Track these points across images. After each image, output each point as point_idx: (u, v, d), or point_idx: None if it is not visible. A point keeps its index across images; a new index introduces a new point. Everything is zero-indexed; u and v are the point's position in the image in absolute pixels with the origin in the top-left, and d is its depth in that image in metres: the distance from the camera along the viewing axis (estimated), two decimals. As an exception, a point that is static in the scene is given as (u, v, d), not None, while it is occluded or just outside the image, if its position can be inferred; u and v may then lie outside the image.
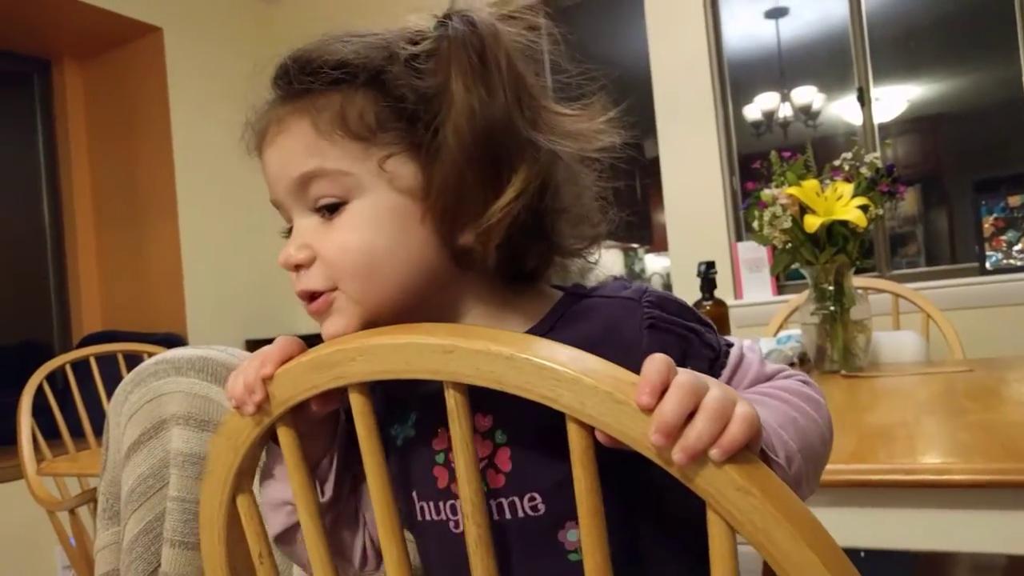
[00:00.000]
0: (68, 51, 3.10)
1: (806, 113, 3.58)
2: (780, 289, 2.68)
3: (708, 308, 1.66)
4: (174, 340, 2.76)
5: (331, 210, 0.53)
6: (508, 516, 0.52)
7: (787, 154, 1.53)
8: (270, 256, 3.29)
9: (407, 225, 0.52)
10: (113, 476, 1.10)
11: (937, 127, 3.51)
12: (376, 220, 0.52)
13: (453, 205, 0.51)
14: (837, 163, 1.50)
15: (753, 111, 3.55)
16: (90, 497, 1.49)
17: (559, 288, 0.59)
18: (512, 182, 0.51)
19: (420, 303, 0.54)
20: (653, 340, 0.52)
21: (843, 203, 1.41)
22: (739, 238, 2.77)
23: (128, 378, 1.05)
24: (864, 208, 1.39)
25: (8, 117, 3.07)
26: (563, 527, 0.51)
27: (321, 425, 0.56)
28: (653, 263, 4.51)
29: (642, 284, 0.57)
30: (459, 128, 0.50)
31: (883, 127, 2.87)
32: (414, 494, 0.57)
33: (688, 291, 2.66)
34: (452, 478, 0.54)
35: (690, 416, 0.38)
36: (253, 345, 3.14)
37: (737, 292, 2.67)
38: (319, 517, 0.51)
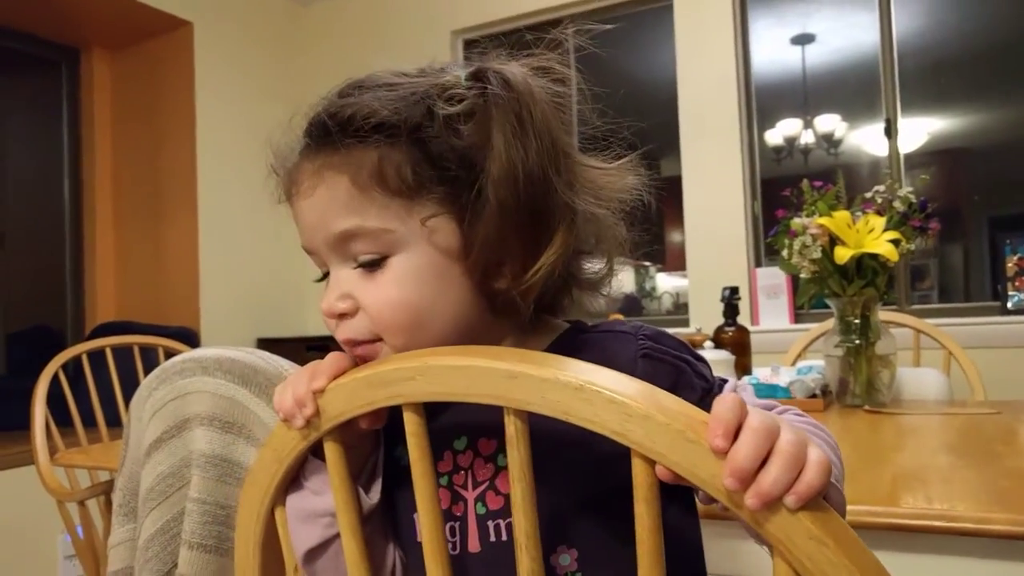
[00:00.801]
0: (98, 41, 3.12)
1: (828, 141, 3.57)
2: (797, 317, 2.67)
3: (731, 333, 1.65)
4: (187, 334, 2.77)
5: (372, 265, 0.54)
6: (504, 537, 0.54)
7: (818, 183, 1.52)
8: (284, 256, 3.33)
9: (448, 279, 0.54)
10: (131, 472, 1.09)
11: (956, 161, 3.49)
12: (418, 275, 0.53)
13: (494, 261, 0.53)
14: (869, 195, 1.49)
15: (775, 136, 3.54)
16: (101, 490, 1.48)
17: (567, 321, 0.62)
18: (553, 242, 0.53)
19: (464, 340, 0.55)
20: (647, 368, 0.54)
21: (874, 236, 1.40)
22: (758, 264, 2.76)
23: (153, 375, 1.04)
24: (895, 242, 1.38)
25: (35, 103, 3.09)
26: (555, 551, 0.53)
27: (363, 439, 0.56)
28: (664, 282, 4.50)
29: (639, 323, 0.58)
30: (501, 188, 0.51)
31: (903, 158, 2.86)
32: (415, 516, 0.56)
33: (706, 313, 2.64)
34: (454, 500, 0.56)
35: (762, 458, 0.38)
36: (264, 343, 3.13)
37: (754, 318, 2.66)
38: (361, 534, 0.50)
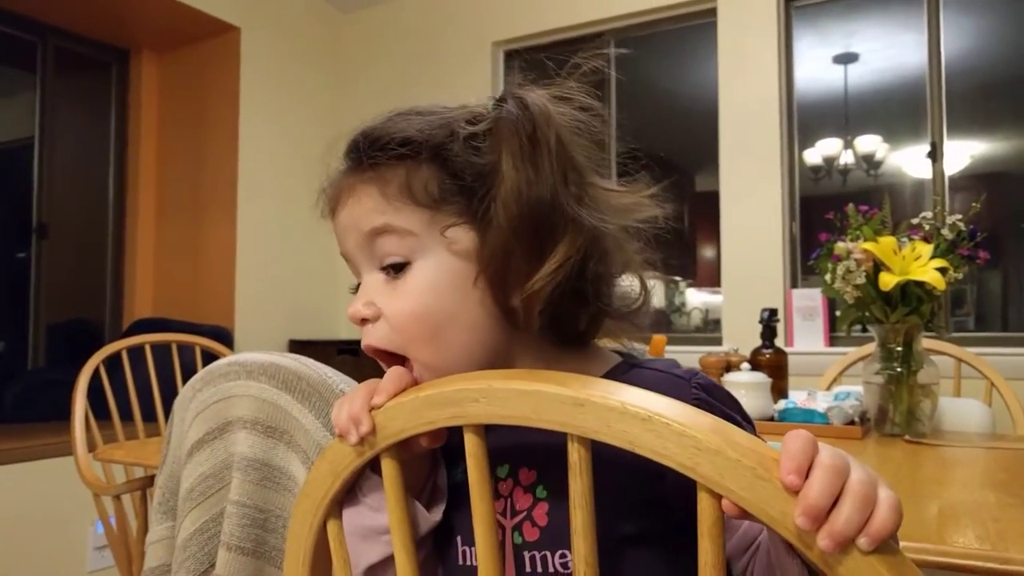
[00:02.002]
0: (147, 43, 3.18)
1: (868, 162, 3.53)
2: (832, 340, 2.63)
3: (768, 356, 1.63)
4: (222, 333, 2.80)
5: (396, 269, 0.57)
6: (539, 569, 0.54)
7: (864, 207, 1.50)
8: (318, 260, 3.37)
9: (464, 288, 0.56)
10: (172, 471, 1.11)
11: (997, 185, 3.43)
12: (436, 284, 0.56)
13: (502, 271, 0.55)
14: (916, 221, 1.47)
15: (813, 156, 3.51)
16: (138, 486, 1.50)
17: (618, 352, 0.62)
18: (554, 254, 0.54)
19: (484, 363, 0.56)
20: None
21: (921, 263, 1.37)
22: (794, 284, 2.73)
23: (198, 376, 1.06)
24: (942, 270, 1.35)
25: (85, 101, 3.16)
26: None
27: (422, 457, 0.56)
28: (694, 298, 4.47)
29: (693, 368, 0.59)
30: (507, 204, 0.54)
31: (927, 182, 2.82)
32: (458, 539, 0.59)
33: (739, 332, 2.62)
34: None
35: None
36: (296, 346, 3.17)
37: (788, 340, 2.63)
38: (413, 551, 0.50)
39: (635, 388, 0.41)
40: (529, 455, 0.56)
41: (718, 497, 0.39)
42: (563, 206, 0.55)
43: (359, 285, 0.61)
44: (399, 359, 0.58)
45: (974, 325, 3.26)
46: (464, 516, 0.58)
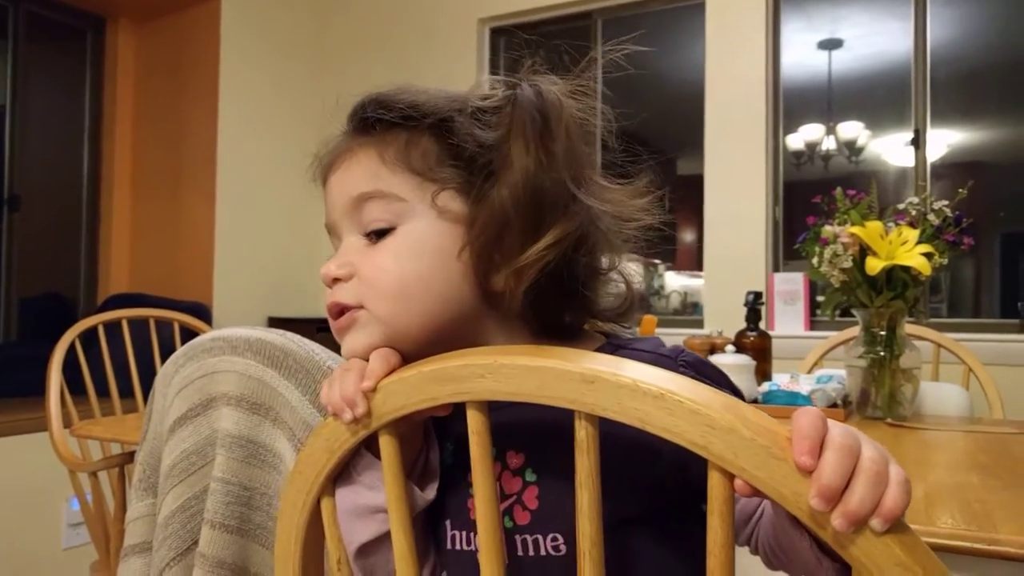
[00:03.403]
0: (124, 11, 3.10)
1: (850, 148, 3.55)
2: (812, 324, 2.65)
3: (753, 339, 1.64)
4: (200, 309, 2.76)
5: (379, 235, 0.56)
6: (531, 552, 0.54)
7: (851, 192, 1.51)
8: (299, 237, 3.33)
9: (445, 257, 0.55)
10: (153, 447, 1.09)
11: (976, 174, 3.47)
12: (418, 247, 0.55)
13: (492, 245, 0.54)
14: (902, 206, 1.48)
15: (796, 141, 3.52)
16: (115, 463, 1.48)
17: (602, 333, 0.62)
18: (552, 230, 0.54)
19: (448, 338, 0.55)
20: None
21: (907, 248, 1.38)
22: (776, 268, 2.74)
23: (180, 351, 1.04)
24: (928, 256, 1.36)
25: (59, 71, 3.08)
26: None
27: (415, 433, 0.55)
28: (672, 281, 4.49)
29: (679, 346, 0.59)
30: (513, 182, 0.54)
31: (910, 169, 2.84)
32: (447, 523, 0.58)
33: (721, 316, 2.63)
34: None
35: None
36: (275, 323, 3.13)
37: (769, 323, 2.64)
38: (411, 529, 0.50)
39: (646, 365, 0.40)
40: (517, 438, 0.55)
41: (729, 476, 0.38)
42: (566, 192, 0.55)
43: None
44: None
45: (947, 311, 3.31)
46: (453, 499, 0.58)
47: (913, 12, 2.73)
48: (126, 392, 1.95)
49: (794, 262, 2.87)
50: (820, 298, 2.76)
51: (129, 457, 1.50)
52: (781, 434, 0.37)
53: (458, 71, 3.18)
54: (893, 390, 1.45)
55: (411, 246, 0.55)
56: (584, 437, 0.41)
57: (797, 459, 0.36)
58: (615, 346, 0.59)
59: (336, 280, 0.56)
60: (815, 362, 2.00)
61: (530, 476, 0.55)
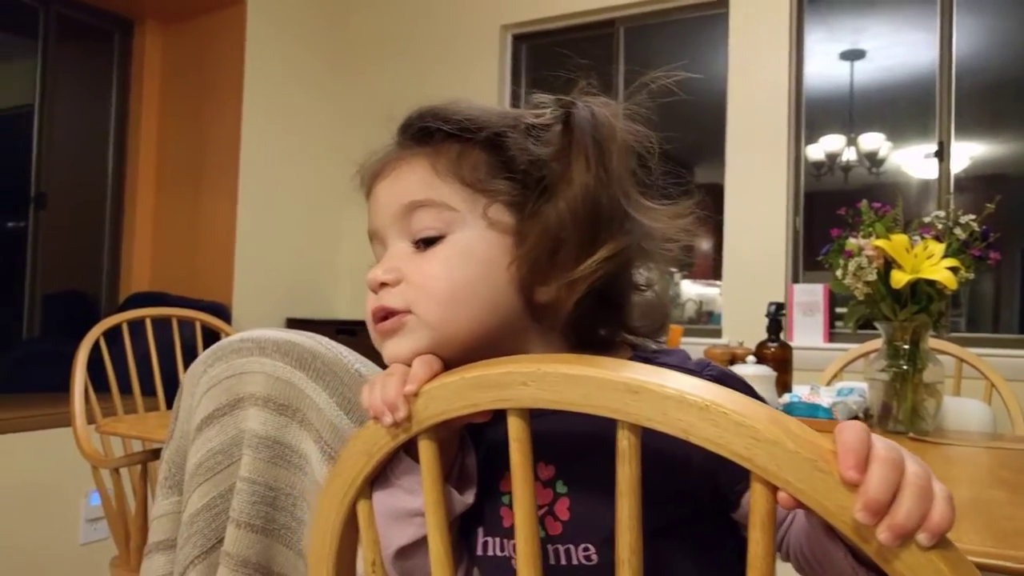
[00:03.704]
0: (152, 13, 3.14)
1: (871, 160, 3.53)
2: (831, 336, 2.64)
3: (773, 350, 1.63)
4: (220, 309, 2.79)
5: (427, 243, 0.57)
6: (563, 562, 0.55)
7: (876, 204, 1.50)
8: (319, 240, 3.34)
9: (494, 267, 0.56)
10: (179, 446, 1.10)
11: (999, 187, 3.44)
12: (468, 256, 0.56)
13: (545, 257, 0.55)
14: (928, 220, 1.47)
15: (816, 151, 3.50)
16: (138, 460, 1.49)
17: (630, 346, 0.63)
18: (607, 244, 0.55)
19: (488, 347, 0.55)
20: None
21: (933, 262, 1.37)
22: (795, 279, 2.73)
23: (209, 351, 1.05)
24: (954, 270, 1.35)
25: (86, 70, 3.12)
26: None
27: (452, 438, 0.56)
28: (688, 289, 4.48)
29: (705, 359, 0.60)
30: (572, 197, 0.55)
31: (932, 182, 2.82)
32: (480, 529, 0.59)
33: (739, 326, 2.62)
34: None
35: None
36: (293, 324, 3.15)
37: (788, 335, 2.63)
38: (447, 533, 0.50)
39: (691, 376, 0.41)
40: (547, 450, 0.56)
41: (772, 488, 0.38)
42: (620, 209, 0.56)
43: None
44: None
45: (965, 326, 3.28)
46: (486, 506, 0.58)
47: (939, 24, 2.71)
48: (147, 390, 1.97)
49: (813, 273, 2.86)
50: (840, 310, 2.75)
51: (151, 455, 1.52)
52: (826, 447, 0.37)
53: (480, 77, 3.20)
54: (915, 404, 1.44)
55: (461, 254, 0.56)
56: (626, 447, 0.42)
57: (843, 472, 0.36)
58: (642, 358, 0.60)
59: (383, 285, 0.57)
60: (834, 374, 1.99)
61: (561, 488, 0.56)
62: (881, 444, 0.38)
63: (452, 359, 0.53)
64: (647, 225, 0.58)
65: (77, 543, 2.43)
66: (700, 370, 0.57)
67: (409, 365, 0.52)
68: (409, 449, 0.54)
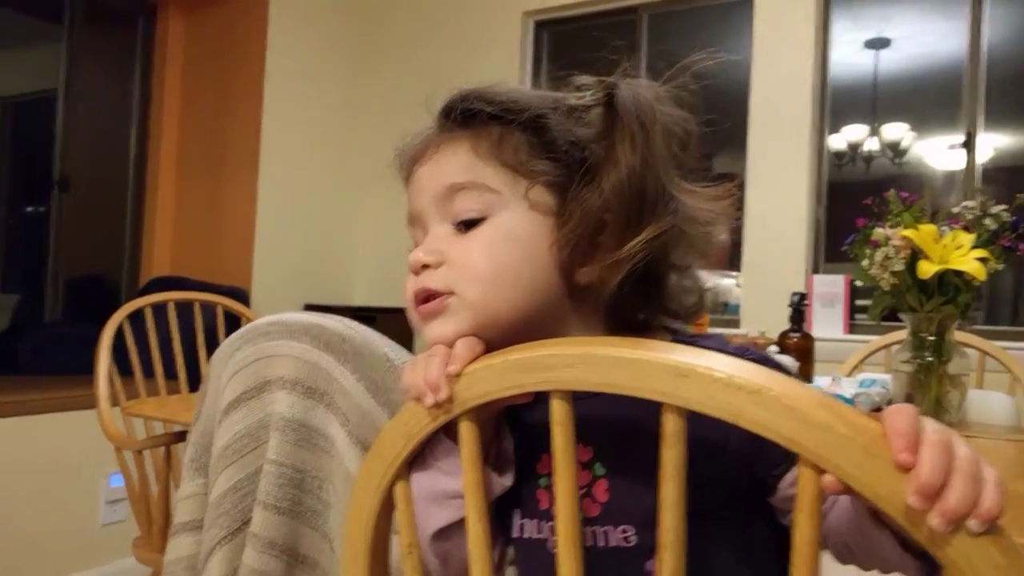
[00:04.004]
0: (174, -1, 3.15)
1: (893, 150, 3.49)
2: (851, 328, 2.62)
3: (796, 340, 1.62)
4: (240, 294, 2.80)
5: (468, 225, 0.57)
6: (601, 544, 0.55)
7: (904, 194, 1.48)
8: (338, 226, 3.35)
9: (536, 248, 0.56)
10: (205, 428, 1.11)
11: (1020, 179, 3.40)
12: (510, 237, 0.56)
13: (588, 239, 0.56)
14: (956, 210, 1.45)
15: (838, 141, 3.47)
16: (162, 442, 1.51)
17: (668, 329, 0.63)
18: (652, 225, 0.55)
19: (528, 330, 0.55)
20: None
21: (961, 253, 1.36)
22: (816, 270, 2.71)
23: (237, 334, 1.05)
24: (983, 260, 1.34)
25: (110, 55, 3.13)
26: (651, 559, 0.53)
27: (490, 418, 0.56)
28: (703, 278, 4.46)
29: (744, 344, 0.58)
30: (619, 178, 0.55)
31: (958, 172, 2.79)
32: (516, 511, 0.60)
33: (758, 315, 2.61)
34: (553, 501, 0.56)
35: None
36: (311, 309, 3.17)
37: (807, 325, 2.61)
38: (487, 515, 0.50)
39: (740, 360, 0.40)
40: (584, 432, 0.56)
41: (821, 473, 0.38)
42: (664, 190, 0.56)
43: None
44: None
45: (984, 318, 3.24)
46: (523, 489, 0.58)
47: (970, 12, 2.67)
48: (169, 374, 1.99)
49: (833, 264, 2.83)
50: (861, 302, 2.72)
51: (175, 437, 1.53)
52: (877, 432, 0.37)
53: (502, 63, 3.18)
54: (940, 396, 1.43)
55: (503, 235, 0.56)
56: (673, 431, 0.41)
57: (896, 456, 0.36)
58: (683, 342, 0.60)
59: (425, 267, 0.57)
60: (855, 365, 1.98)
61: (599, 470, 0.56)
62: (932, 427, 0.38)
63: (493, 342, 0.53)
64: (689, 207, 0.58)
65: (97, 524, 2.47)
66: (741, 354, 0.56)
67: (451, 347, 0.51)
68: (448, 431, 0.54)
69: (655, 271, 0.58)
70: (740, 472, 0.53)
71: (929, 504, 0.35)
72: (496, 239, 0.56)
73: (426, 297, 0.57)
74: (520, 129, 0.57)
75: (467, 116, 0.59)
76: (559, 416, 0.45)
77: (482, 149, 0.57)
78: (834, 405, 0.38)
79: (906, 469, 0.36)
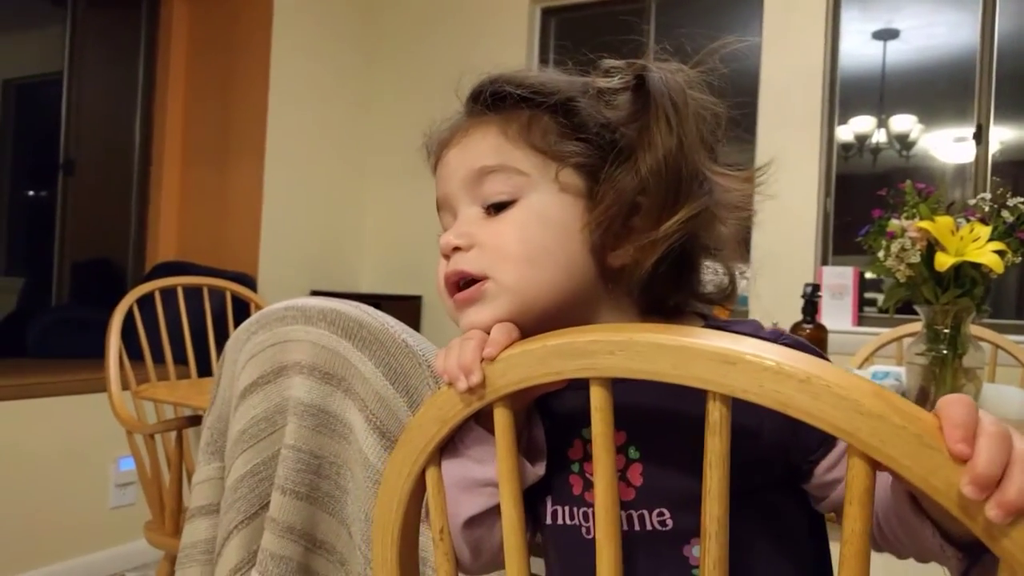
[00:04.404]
0: (179, -20, 3.13)
1: (901, 142, 3.47)
2: (860, 320, 2.62)
3: (809, 331, 1.62)
4: (247, 280, 2.80)
5: (498, 209, 0.57)
6: (636, 528, 0.54)
7: (920, 185, 1.48)
8: (345, 212, 3.33)
9: (567, 230, 0.56)
10: (221, 412, 1.11)
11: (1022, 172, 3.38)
12: (541, 219, 0.56)
13: (620, 221, 0.55)
14: (973, 202, 1.44)
15: (846, 133, 3.45)
16: (174, 426, 1.51)
17: (699, 315, 0.63)
18: (688, 205, 0.55)
19: (561, 317, 0.55)
20: None
21: (978, 245, 1.35)
22: (824, 262, 2.71)
23: (252, 319, 1.05)
24: (1001, 253, 1.33)
25: (113, 38, 3.11)
26: (688, 543, 0.53)
27: (522, 407, 0.55)
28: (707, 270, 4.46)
29: (780, 329, 0.60)
30: (655, 159, 0.54)
31: (967, 165, 2.77)
32: (548, 498, 0.59)
33: (767, 307, 2.60)
34: (586, 487, 0.57)
35: None
36: (319, 295, 3.16)
37: (816, 317, 2.61)
38: (521, 503, 0.50)
39: (788, 348, 0.40)
40: (617, 416, 0.56)
41: (872, 463, 0.38)
42: (699, 172, 0.56)
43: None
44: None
45: (988, 312, 3.22)
46: (555, 476, 0.58)
47: (982, 3, 2.65)
48: (177, 359, 1.99)
49: (842, 256, 2.83)
50: (869, 295, 2.72)
51: (186, 421, 1.53)
52: (932, 422, 0.37)
53: (509, 50, 3.16)
54: (955, 389, 1.42)
55: (535, 217, 0.56)
56: (718, 418, 0.41)
57: (952, 447, 0.35)
58: (715, 327, 0.60)
59: (456, 250, 0.57)
60: (866, 357, 1.98)
61: (633, 454, 0.56)
62: (988, 419, 0.37)
63: (526, 328, 0.53)
64: (722, 189, 0.58)
65: (107, 507, 2.47)
66: (775, 338, 0.55)
67: (488, 333, 0.51)
68: (478, 419, 0.54)
69: (688, 254, 0.58)
70: (775, 458, 0.53)
71: (984, 495, 0.35)
72: (527, 221, 0.56)
73: (460, 281, 0.56)
74: (549, 112, 0.57)
75: (496, 100, 0.59)
76: (599, 403, 0.44)
77: (511, 132, 0.57)
78: (887, 395, 0.37)
79: (962, 460, 0.35)
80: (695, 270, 0.60)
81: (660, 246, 0.55)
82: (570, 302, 0.56)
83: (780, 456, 0.53)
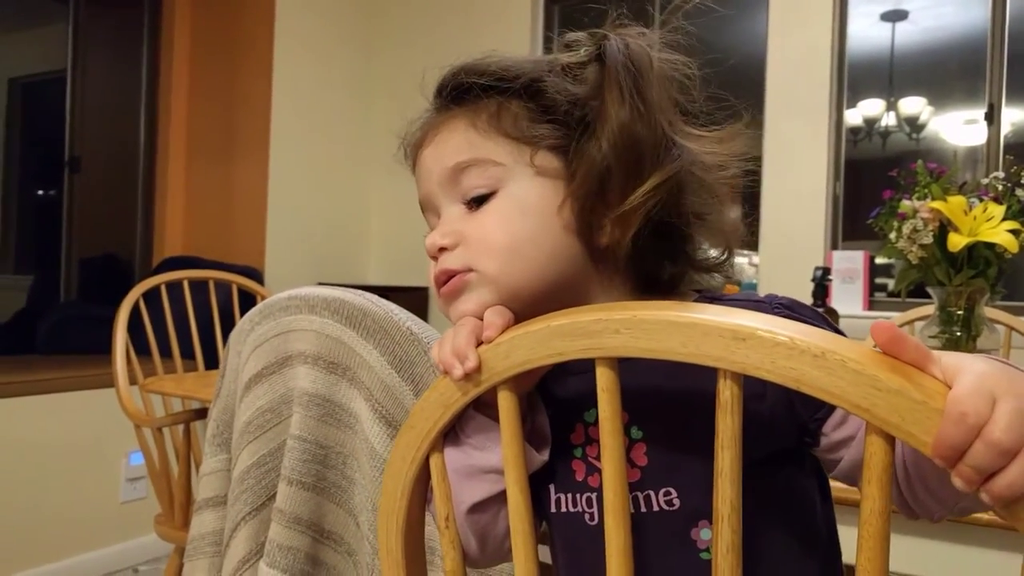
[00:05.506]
0: (181, -26, 3.11)
1: (911, 125, 3.43)
2: (871, 304, 2.59)
3: (820, 315, 1.60)
4: (253, 273, 2.80)
5: (478, 202, 0.56)
6: (643, 509, 0.53)
7: (932, 165, 1.45)
8: (350, 206, 3.33)
9: (548, 211, 0.55)
10: (226, 404, 1.10)
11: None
12: (521, 207, 0.55)
13: (594, 195, 0.54)
14: (986, 181, 1.42)
15: (854, 116, 3.41)
16: (182, 419, 1.50)
17: (696, 291, 0.62)
18: (655, 174, 0.54)
19: (551, 301, 0.54)
20: None
21: (992, 225, 1.33)
22: (835, 246, 2.68)
23: (256, 309, 1.04)
24: (1015, 233, 1.31)
25: (117, 33, 3.11)
26: (696, 525, 0.52)
27: (523, 393, 0.54)
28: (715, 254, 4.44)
29: (771, 294, 0.58)
30: (611, 131, 0.54)
31: (977, 148, 2.74)
32: (551, 486, 0.58)
33: (776, 292, 2.58)
34: (589, 472, 0.56)
35: None
36: (325, 289, 3.15)
37: (826, 301, 2.58)
38: (527, 487, 0.49)
39: (801, 323, 0.38)
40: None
41: (890, 440, 0.36)
42: (663, 138, 0.55)
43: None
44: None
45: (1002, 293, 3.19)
46: (558, 463, 0.57)
47: (992, -18, 2.61)
48: (184, 352, 1.99)
49: (851, 240, 2.80)
50: (880, 280, 2.69)
51: (194, 414, 1.53)
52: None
53: (512, 40, 3.14)
54: (968, 371, 1.40)
55: (514, 207, 0.55)
56: (729, 397, 0.40)
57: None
58: (710, 299, 0.59)
59: (442, 250, 0.56)
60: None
61: (636, 434, 0.54)
62: (1006, 397, 0.36)
63: (517, 314, 0.52)
64: (695, 151, 0.57)
65: (118, 501, 2.48)
66: (768, 301, 0.56)
67: (480, 319, 0.50)
68: (478, 407, 0.53)
69: (675, 220, 0.56)
70: (780, 417, 0.51)
71: (1006, 461, 0.34)
72: (508, 210, 0.55)
73: (447, 279, 0.56)
74: (516, 97, 0.56)
75: (461, 92, 0.58)
76: (605, 383, 0.43)
77: (481, 123, 0.56)
78: (905, 369, 0.36)
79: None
80: (687, 240, 0.58)
81: (634, 217, 0.54)
82: (559, 284, 0.55)
83: (785, 412, 0.51)
